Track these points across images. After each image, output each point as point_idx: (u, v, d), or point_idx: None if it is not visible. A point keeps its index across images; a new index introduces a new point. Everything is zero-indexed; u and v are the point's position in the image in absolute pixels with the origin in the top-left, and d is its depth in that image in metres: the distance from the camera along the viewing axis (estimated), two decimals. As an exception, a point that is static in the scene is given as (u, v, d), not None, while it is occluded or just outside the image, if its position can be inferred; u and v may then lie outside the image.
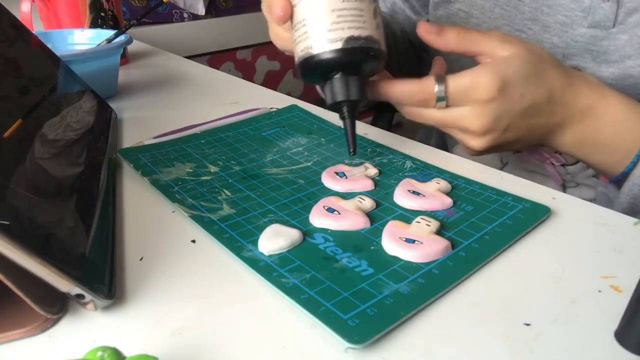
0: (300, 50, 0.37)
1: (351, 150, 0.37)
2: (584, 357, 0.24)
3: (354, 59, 0.36)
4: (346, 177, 0.38)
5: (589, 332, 0.25)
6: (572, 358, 0.23)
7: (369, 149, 0.44)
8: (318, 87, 0.46)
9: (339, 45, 0.35)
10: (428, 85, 0.38)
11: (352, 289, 0.27)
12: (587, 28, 0.46)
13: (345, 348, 0.24)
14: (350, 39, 0.35)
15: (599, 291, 0.28)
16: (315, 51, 0.35)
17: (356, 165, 0.40)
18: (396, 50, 0.63)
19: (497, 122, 0.39)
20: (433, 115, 0.40)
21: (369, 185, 0.37)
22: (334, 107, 0.38)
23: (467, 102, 0.38)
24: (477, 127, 0.39)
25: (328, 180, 0.38)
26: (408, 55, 0.66)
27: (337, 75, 0.36)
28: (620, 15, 0.44)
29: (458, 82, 0.38)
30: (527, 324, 0.25)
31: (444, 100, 0.38)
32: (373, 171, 0.39)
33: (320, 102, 0.56)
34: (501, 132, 0.39)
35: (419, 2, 0.61)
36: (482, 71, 0.38)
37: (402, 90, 0.39)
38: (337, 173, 0.38)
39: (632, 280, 0.28)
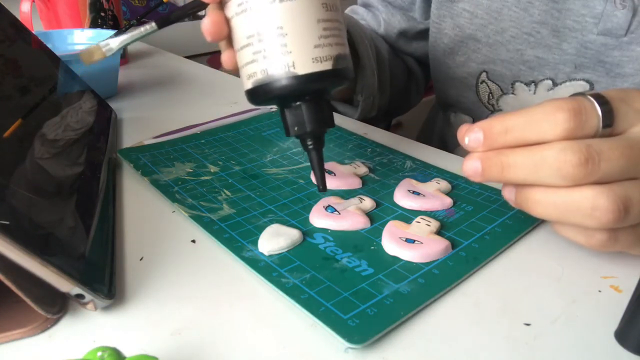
0: (266, 70, 0.28)
1: (321, 187, 0.31)
2: (584, 357, 0.24)
3: (339, 82, 0.29)
4: (334, 175, 0.38)
5: (589, 332, 0.25)
6: (572, 358, 0.23)
7: (369, 149, 0.44)
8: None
9: (329, 65, 0.28)
10: (576, 100, 0.26)
11: (352, 289, 0.27)
12: (597, 35, 0.44)
13: (345, 348, 0.24)
14: (339, 57, 0.28)
15: (599, 291, 0.28)
16: (300, 71, 0.28)
17: (347, 163, 0.40)
18: (380, 74, 0.59)
19: None
20: (612, 147, 0.25)
21: (356, 183, 0.38)
22: (301, 136, 0.31)
23: (637, 116, 0.26)
24: None
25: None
26: (393, 79, 0.64)
27: (308, 100, 0.29)
28: (633, 24, 0.43)
29: (610, 92, 0.27)
30: (527, 324, 0.25)
31: (609, 116, 0.26)
32: (362, 170, 0.39)
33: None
34: None
35: (424, 5, 0.59)
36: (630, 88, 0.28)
37: (527, 114, 0.26)
38: (326, 170, 0.39)
39: (632, 280, 0.28)
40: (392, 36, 0.63)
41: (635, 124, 0.26)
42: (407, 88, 0.69)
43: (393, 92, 0.66)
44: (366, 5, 0.67)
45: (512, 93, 0.50)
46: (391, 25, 0.63)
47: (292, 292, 0.27)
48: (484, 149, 0.28)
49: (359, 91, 0.54)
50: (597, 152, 0.24)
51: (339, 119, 0.52)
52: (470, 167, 0.28)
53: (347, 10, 0.70)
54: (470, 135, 0.28)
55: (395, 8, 0.62)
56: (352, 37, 0.52)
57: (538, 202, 0.27)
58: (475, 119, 0.56)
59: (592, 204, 0.25)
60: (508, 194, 0.29)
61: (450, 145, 0.64)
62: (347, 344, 0.23)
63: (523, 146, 0.27)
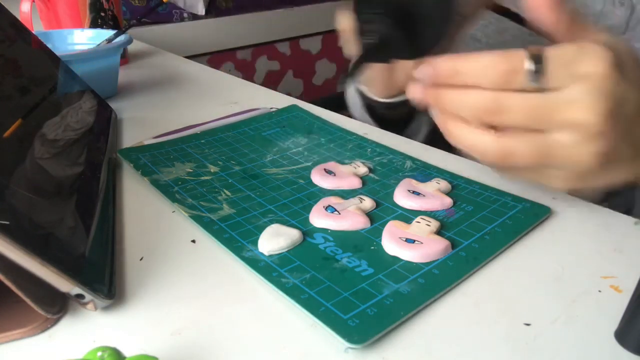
0: None
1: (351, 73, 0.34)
2: (584, 357, 0.24)
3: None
4: (334, 175, 0.38)
5: (589, 332, 0.25)
6: (572, 358, 0.23)
7: (369, 149, 0.44)
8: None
9: None
10: (514, 56, 0.28)
11: (352, 289, 0.27)
12: None
13: (345, 348, 0.24)
14: None
15: (599, 291, 0.28)
16: None
17: (346, 163, 0.40)
18: None
19: (619, 107, 0.28)
20: (519, 102, 0.28)
21: (356, 183, 0.38)
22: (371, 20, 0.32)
23: (574, 79, 0.28)
24: (593, 115, 0.27)
25: (317, 177, 0.38)
26: None
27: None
28: (632, 22, 0.43)
29: (559, 51, 0.28)
30: (527, 324, 0.25)
31: (538, 75, 0.28)
32: (362, 170, 0.39)
33: (321, 102, 0.56)
34: (623, 129, 0.29)
35: None
36: (589, 43, 0.28)
37: (474, 63, 0.29)
38: (326, 170, 0.39)
39: (632, 280, 0.28)
40: None
41: (566, 86, 0.28)
42: None
43: None
44: None
45: None
46: None
47: (292, 292, 0.27)
48: (429, 83, 0.31)
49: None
50: (505, 106, 0.28)
51: (338, 119, 0.52)
52: (414, 92, 0.32)
53: None
54: (421, 69, 0.31)
55: None
56: None
57: (452, 135, 0.31)
58: None
59: (484, 149, 0.30)
60: (415, 92, 0.32)
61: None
62: (347, 344, 0.23)
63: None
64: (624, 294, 0.27)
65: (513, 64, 0.28)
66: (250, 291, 0.28)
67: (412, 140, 0.47)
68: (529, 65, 0.28)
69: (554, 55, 0.28)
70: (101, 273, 0.27)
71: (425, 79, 0.31)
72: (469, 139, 0.31)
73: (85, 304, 0.25)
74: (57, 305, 0.26)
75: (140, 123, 0.52)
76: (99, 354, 0.20)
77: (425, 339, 0.25)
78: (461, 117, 0.30)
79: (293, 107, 0.53)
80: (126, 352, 0.21)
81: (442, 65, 0.30)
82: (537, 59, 0.28)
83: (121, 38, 0.60)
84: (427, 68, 0.31)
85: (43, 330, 0.25)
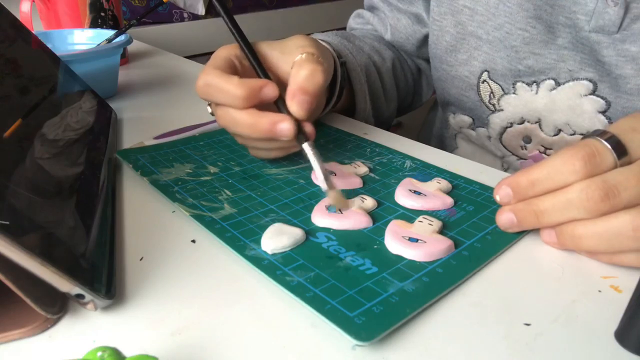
0: None
1: None
2: (584, 357, 0.24)
3: None
4: (335, 175, 0.38)
5: (589, 332, 0.25)
6: (572, 358, 0.23)
7: (368, 149, 0.44)
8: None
9: None
10: (584, 142, 0.29)
11: (357, 287, 0.27)
12: (589, 32, 0.44)
13: (353, 345, 0.24)
14: None
15: (599, 291, 0.28)
16: None
17: (347, 163, 0.40)
18: (384, 91, 0.61)
19: None
20: (628, 176, 0.27)
21: (357, 183, 0.38)
22: None
23: None
24: None
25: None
26: (399, 88, 0.64)
27: None
28: (625, 21, 0.43)
29: (620, 123, 0.29)
30: (527, 324, 0.25)
31: (619, 148, 0.28)
32: (363, 169, 0.39)
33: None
34: None
35: (425, 4, 0.60)
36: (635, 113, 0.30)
37: (550, 166, 0.29)
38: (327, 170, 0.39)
39: (632, 280, 0.28)
40: (399, 41, 0.63)
41: None
42: (417, 86, 0.69)
43: (401, 96, 0.66)
44: (372, 9, 0.66)
45: (514, 93, 0.50)
46: (398, 30, 0.63)
47: (297, 290, 0.27)
48: (515, 202, 0.31)
49: (356, 116, 0.56)
50: (614, 184, 0.27)
51: (338, 119, 0.52)
52: (506, 219, 0.31)
53: (353, 15, 0.69)
54: (499, 192, 0.31)
55: (401, 12, 0.62)
56: (350, 74, 0.53)
57: (582, 236, 0.29)
58: (475, 120, 0.56)
59: (632, 225, 0.27)
60: (548, 238, 0.31)
61: (448, 147, 0.64)
62: (355, 341, 0.23)
63: (548, 193, 0.30)
64: (624, 294, 0.27)
65: (590, 147, 0.28)
66: (250, 291, 0.28)
67: (411, 140, 0.47)
68: (608, 144, 0.28)
69: (622, 126, 0.29)
70: (101, 273, 0.27)
71: (508, 201, 0.31)
72: (610, 227, 0.27)
73: (85, 304, 0.25)
74: (57, 305, 0.26)
75: (140, 123, 0.52)
76: (99, 354, 0.20)
77: (425, 339, 0.25)
78: (573, 219, 0.29)
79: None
80: (126, 352, 0.21)
81: (519, 179, 0.30)
82: (608, 137, 0.29)
83: (121, 38, 0.60)
84: (505, 189, 0.31)
85: (43, 331, 0.25)
